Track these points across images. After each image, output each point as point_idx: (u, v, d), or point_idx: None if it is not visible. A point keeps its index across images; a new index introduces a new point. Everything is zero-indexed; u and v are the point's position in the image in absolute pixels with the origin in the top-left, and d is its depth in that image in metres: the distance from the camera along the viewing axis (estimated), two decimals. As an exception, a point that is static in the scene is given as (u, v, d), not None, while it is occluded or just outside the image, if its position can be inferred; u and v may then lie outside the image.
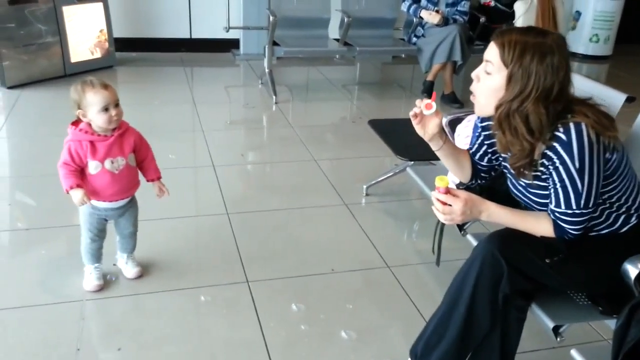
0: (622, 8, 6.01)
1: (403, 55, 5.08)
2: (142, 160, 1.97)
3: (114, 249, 2.11)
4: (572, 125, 1.33)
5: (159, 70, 4.95)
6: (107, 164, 1.86)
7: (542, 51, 1.32)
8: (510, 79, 1.35)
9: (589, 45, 6.15)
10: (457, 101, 4.22)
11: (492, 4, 4.80)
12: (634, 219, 1.46)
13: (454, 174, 1.69)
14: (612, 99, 1.70)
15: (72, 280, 2.05)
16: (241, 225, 2.50)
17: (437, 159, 1.65)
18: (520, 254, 1.40)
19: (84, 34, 4.53)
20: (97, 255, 2.02)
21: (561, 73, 1.33)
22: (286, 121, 3.92)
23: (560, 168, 1.35)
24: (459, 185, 1.71)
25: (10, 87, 4.11)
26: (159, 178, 2.01)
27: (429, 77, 4.36)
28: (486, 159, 1.62)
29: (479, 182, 1.68)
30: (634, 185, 1.47)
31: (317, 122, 4.02)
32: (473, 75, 1.45)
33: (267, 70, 4.33)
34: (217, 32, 5.14)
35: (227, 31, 5.06)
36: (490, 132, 1.53)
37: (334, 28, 4.57)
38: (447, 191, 1.44)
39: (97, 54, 4.65)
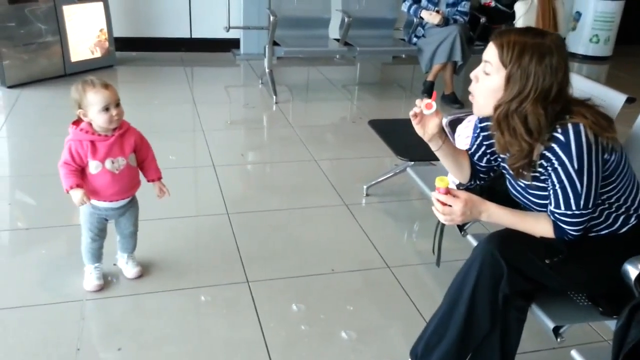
0: (622, 9, 6.01)
1: (403, 56, 5.09)
2: (142, 161, 1.97)
3: (114, 248, 2.11)
4: (570, 126, 1.33)
5: (159, 70, 4.95)
6: (108, 163, 1.86)
7: (540, 52, 1.32)
8: (509, 80, 1.35)
9: (589, 46, 6.15)
10: (458, 101, 4.22)
11: (493, 4, 4.80)
12: (633, 219, 1.47)
13: (452, 174, 1.69)
14: (612, 99, 1.70)
15: (72, 280, 2.05)
16: (241, 225, 2.51)
17: (437, 159, 1.65)
18: (520, 254, 1.40)
19: (84, 34, 4.53)
20: (97, 255, 2.02)
21: (560, 74, 1.33)
22: (286, 121, 3.92)
23: (559, 169, 1.35)
24: (459, 186, 1.71)
25: (10, 87, 4.11)
26: (159, 178, 2.01)
27: (429, 78, 4.36)
28: (485, 159, 1.63)
29: (478, 182, 1.68)
30: (633, 186, 1.47)
31: (317, 122, 4.03)
32: (472, 75, 1.45)
33: (267, 70, 4.33)
34: (218, 32, 5.14)
35: (228, 31, 5.06)
36: (489, 132, 1.53)
37: (334, 28, 4.57)
38: (447, 192, 1.44)
39: (97, 54, 4.65)
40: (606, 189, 1.42)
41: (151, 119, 3.70)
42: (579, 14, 6.15)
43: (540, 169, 1.41)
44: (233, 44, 5.37)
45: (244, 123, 4.05)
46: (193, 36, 5.36)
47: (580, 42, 6.14)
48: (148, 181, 2.01)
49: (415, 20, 4.32)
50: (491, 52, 1.38)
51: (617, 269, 1.40)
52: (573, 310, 1.48)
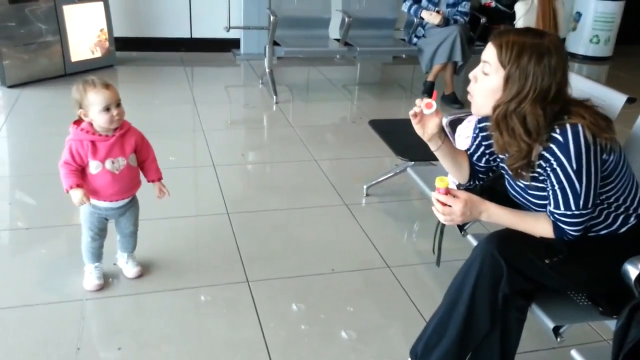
0: (623, 9, 6.01)
1: (404, 56, 5.09)
2: (143, 161, 1.97)
3: (115, 248, 2.11)
4: (568, 127, 1.33)
5: (159, 70, 4.95)
6: (108, 164, 1.86)
7: (539, 52, 1.32)
8: (507, 80, 1.35)
9: (589, 46, 6.15)
10: (458, 102, 4.22)
11: (493, 4, 4.80)
12: (632, 219, 1.47)
13: (451, 174, 1.69)
14: (613, 100, 1.70)
15: (73, 279, 2.05)
16: (241, 225, 2.51)
17: (438, 159, 1.65)
18: (520, 254, 1.40)
19: (85, 33, 4.53)
20: (97, 255, 2.02)
21: (558, 74, 1.33)
22: (286, 121, 3.92)
23: (558, 170, 1.35)
24: (459, 186, 1.71)
25: (10, 86, 4.11)
26: (159, 179, 2.01)
27: (430, 78, 4.36)
28: (484, 160, 1.63)
29: (477, 183, 1.68)
30: (632, 186, 1.47)
31: (318, 122, 4.03)
32: (470, 75, 1.45)
33: (267, 70, 4.33)
34: (218, 32, 5.14)
35: (228, 31, 5.06)
36: (488, 133, 1.53)
37: (335, 28, 4.57)
38: (447, 192, 1.44)
39: (98, 54, 4.65)
40: (605, 189, 1.42)
41: (151, 118, 3.70)
42: (579, 14, 6.15)
43: (539, 170, 1.41)
44: (233, 44, 5.38)
45: (244, 123, 4.05)
46: (193, 36, 5.36)
47: (580, 42, 6.15)
48: (148, 181, 2.01)
49: (415, 20, 4.32)
50: (490, 52, 1.39)
51: (616, 269, 1.40)
52: (573, 310, 1.48)
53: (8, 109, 3.76)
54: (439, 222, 1.61)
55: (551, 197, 1.40)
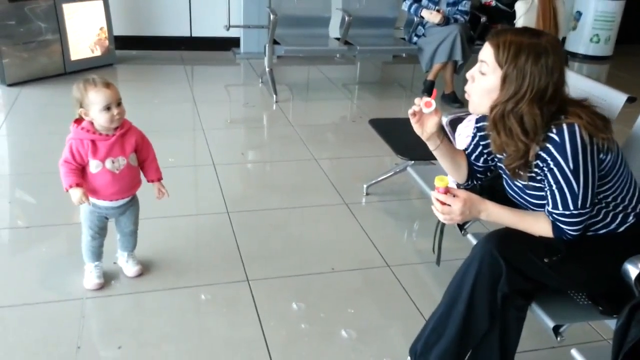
0: (623, 8, 6.01)
1: (404, 55, 5.07)
2: (143, 161, 1.97)
3: (115, 247, 2.11)
4: (565, 127, 1.33)
5: (159, 69, 4.95)
6: (108, 163, 1.86)
7: (536, 52, 1.32)
8: (505, 80, 1.35)
9: (590, 46, 6.15)
10: (458, 101, 4.22)
11: (493, 3, 4.79)
12: (631, 218, 1.47)
13: (450, 174, 1.69)
14: (613, 99, 1.70)
15: (73, 278, 2.05)
16: (241, 224, 2.51)
17: (437, 158, 1.65)
18: (519, 253, 1.40)
19: (84, 32, 4.52)
20: (97, 254, 2.02)
21: (555, 74, 1.34)
22: (286, 120, 3.92)
23: (555, 170, 1.35)
24: (459, 185, 1.71)
25: (10, 85, 4.11)
26: (159, 179, 2.00)
27: (430, 77, 4.35)
28: (482, 159, 1.63)
29: (475, 182, 1.68)
30: (630, 185, 1.47)
31: (318, 121, 4.02)
32: (468, 75, 1.46)
33: (267, 69, 4.33)
34: (218, 31, 5.13)
35: (228, 30, 5.06)
36: (486, 132, 1.53)
37: (335, 27, 4.57)
38: (447, 191, 1.44)
39: (97, 52, 4.65)
40: (603, 189, 1.42)
41: (151, 117, 3.69)
42: (579, 13, 6.15)
43: (536, 169, 1.41)
44: (233, 42, 5.37)
45: (244, 122, 4.05)
46: (193, 35, 5.36)
47: (580, 41, 6.15)
48: (148, 181, 2.01)
49: (415, 19, 4.32)
50: (487, 52, 1.39)
51: (616, 268, 1.40)
52: (573, 310, 1.48)
53: (8, 108, 3.76)
54: (439, 221, 1.61)
55: (549, 197, 1.40)
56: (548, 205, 1.41)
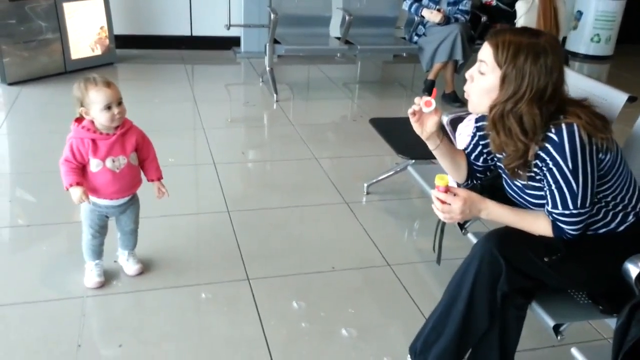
0: (624, 8, 6.01)
1: (404, 54, 5.08)
2: (143, 160, 1.97)
3: (115, 246, 2.11)
4: (564, 126, 1.33)
5: (159, 68, 4.95)
6: (108, 162, 1.86)
7: (535, 52, 1.32)
8: (504, 80, 1.35)
9: (590, 45, 6.15)
10: (458, 100, 4.22)
11: (494, 3, 4.79)
12: (631, 217, 1.47)
13: (449, 173, 1.69)
14: (614, 99, 1.70)
15: (73, 276, 2.05)
16: (242, 223, 2.51)
17: (437, 158, 1.65)
18: (519, 252, 1.40)
19: (85, 31, 4.52)
20: (98, 252, 2.02)
21: (555, 74, 1.33)
22: (287, 119, 3.92)
23: (554, 169, 1.35)
24: (459, 185, 1.71)
25: (10, 84, 4.11)
26: (159, 179, 2.00)
27: (430, 76, 4.35)
28: (481, 159, 1.63)
29: (475, 182, 1.68)
30: (630, 185, 1.47)
31: (318, 120, 4.02)
32: (467, 75, 1.46)
33: (268, 69, 4.33)
34: (218, 30, 5.13)
35: (228, 29, 5.06)
36: (485, 132, 1.53)
37: (335, 26, 4.57)
38: (447, 190, 1.45)
39: (98, 51, 4.65)
40: (602, 188, 1.42)
41: (152, 116, 3.69)
42: (580, 13, 6.15)
43: (535, 169, 1.41)
44: (234, 42, 5.37)
45: (244, 121, 4.05)
46: (194, 34, 5.36)
47: (581, 41, 6.14)
48: (148, 181, 2.00)
49: (416, 18, 4.32)
50: (486, 51, 1.39)
51: (616, 267, 1.40)
52: (573, 308, 1.49)
53: (8, 107, 3.76)
54: (439, 220, 1.61)
55: (548, 196, 1.40)
56: (548, 205, 1.41)
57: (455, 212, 1.45)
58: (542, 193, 1.43)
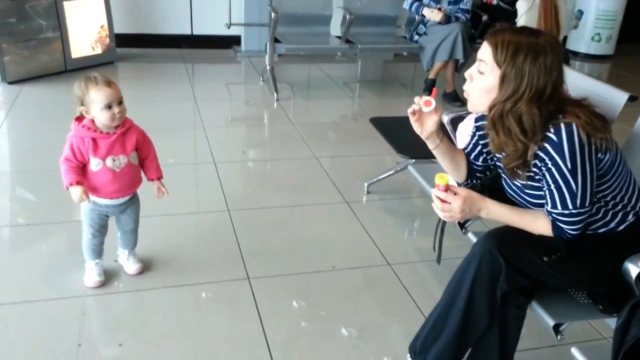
0: (625, 7, 6.00)
1: (405, 53, 5.08)
2: (144, 159, 1.97)
3: (115, 245, 2.11)
4: (562, 126, 1.33)
5: (160, 67, 4.94)
6: (109, 161, 1.86)
7: (535, 51, 1.32)
8: (503, 79, 1.35)
9: (591, 45, 6.15)
10: (459, 99, 4.22)
11: (495, 2, 4.79)
12: (631, 216, 1.47)
13: (449, 173, 1.69)
14: (614, 98, 1.70)
15: (73, 276, 2.05)
16: (242, 222, 2.51)
17: (437, 157, 1.65)
18: (519, 251, 1.40)
19: (85, 30, 4.52)
20: (98, 251, 2.02)
21: (554, 73, 1.33)
22: (287, 118, 3.91)
23: (553, 169, 1.35)
24: (459, 184, 1.71)
25: (10, 83, 4.11)
26: (159, 178, 2.00)
27: (431, 75, 4.35)
28: (481, 158, 1.63)
29: (475, 181, 1.68)
30: (629, 185, 1.47)
31: (319, 119, 4.02)
32: (466, 74, 1.46)
33: (268, 67, 4.33)
34: (219, 29, 5.13)
35: (229, 28, 5.05)
36: (485, 132, 1.53)
37: (336, 25, 4.56)
38: (447, 189, 1.45)
39: (98, 50, 4.65)
40: (602, 188, 1.42)
41: (152, 115, 3.70)
42: (580, 12, 6.14)
43: (534, 169, 1.41)
44: (234, 40, 5.37)
45: (244, 120, 4.05)
46: (194, 33, 5.36)
47: (582, 40, 6.14)
48: (148, 180, 2.00)
49: (417, 17, 4.32)
50: (485, 51, 1.38)
51: (616, 267, 1.40)
52: (573, 308, 1.49)
53: (8, 106, 3.76)
54: (439, 219, 1.61)
55: (548, 196, 1.40)
56: (547, 205, 1.41)
57: (455, 211, 1.45)
58: (542, 193, 1.43)
